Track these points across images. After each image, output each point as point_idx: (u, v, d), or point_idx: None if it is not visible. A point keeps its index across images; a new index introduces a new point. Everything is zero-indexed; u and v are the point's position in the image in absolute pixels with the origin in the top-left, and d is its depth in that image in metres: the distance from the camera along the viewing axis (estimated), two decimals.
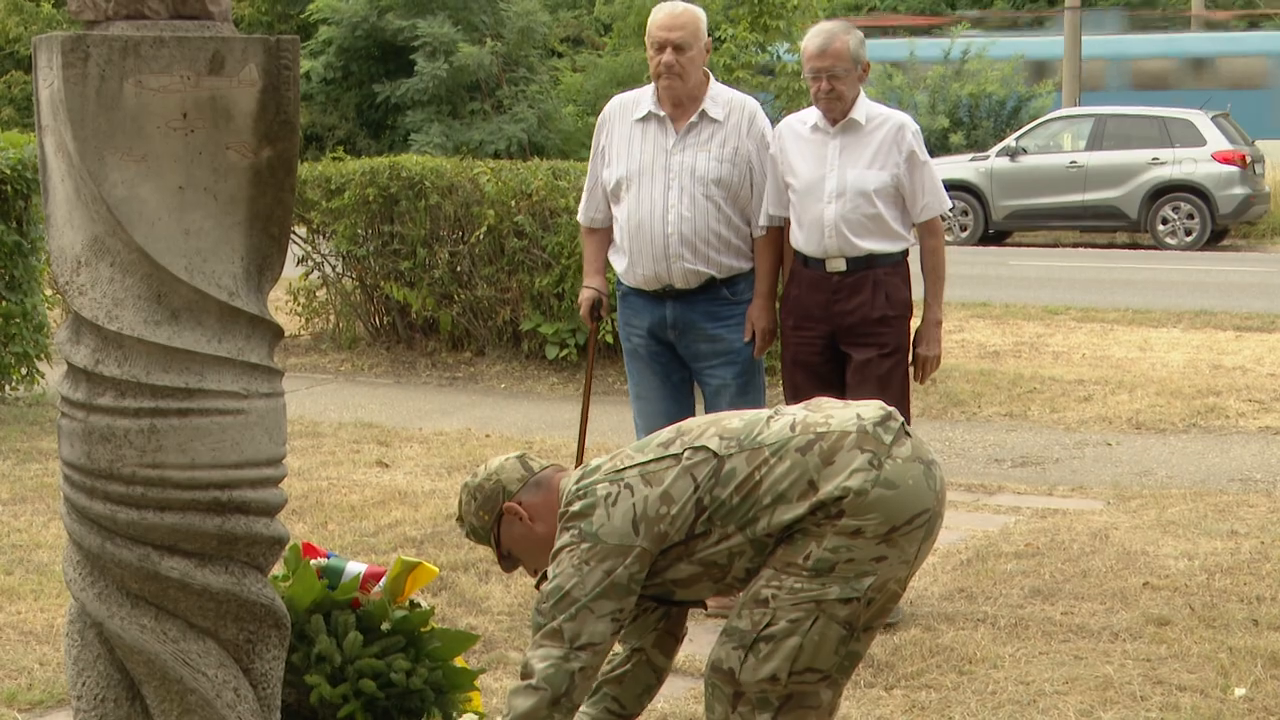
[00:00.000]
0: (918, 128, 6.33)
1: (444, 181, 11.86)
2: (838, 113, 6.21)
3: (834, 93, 6.16)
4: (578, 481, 4.13)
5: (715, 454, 4.01)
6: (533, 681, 3.96)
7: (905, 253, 6.32)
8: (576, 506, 4.06)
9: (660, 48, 6.26)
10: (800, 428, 3.99)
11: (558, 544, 4.07)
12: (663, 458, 4.05)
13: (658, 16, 6.31)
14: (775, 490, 3.93)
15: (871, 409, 4.04)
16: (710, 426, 4.11)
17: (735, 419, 4.09)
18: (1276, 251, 22.79)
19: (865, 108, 6.25)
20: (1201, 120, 22.80)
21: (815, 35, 6.21)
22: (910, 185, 6.21)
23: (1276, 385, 11.17)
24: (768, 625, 3.96)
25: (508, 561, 4.36)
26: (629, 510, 3.99)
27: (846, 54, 6.15)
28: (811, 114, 6.32)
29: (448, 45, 24.25)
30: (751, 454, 3.98)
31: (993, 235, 23.46)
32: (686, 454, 4.03)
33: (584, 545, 4.00)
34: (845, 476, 3.89)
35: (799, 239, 6.30)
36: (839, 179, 6.19)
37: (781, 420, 4.04)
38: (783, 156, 6.33)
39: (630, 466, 4.06)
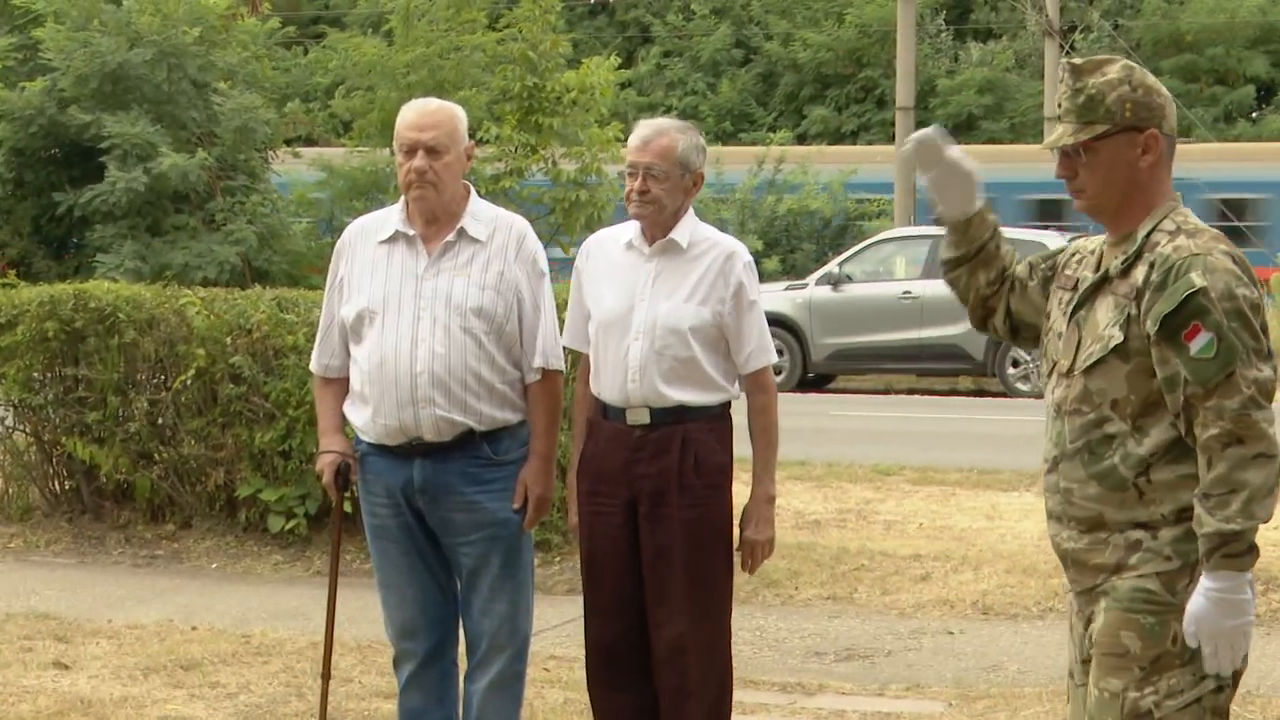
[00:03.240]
0: (751, 259, 6.38)
1: (142, 314, 11.77)
2: (651, 222, 6.26)
3: (647, 195, 6.19)
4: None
5: None
6: (1265, 449, 4.36)
7: (725, 407, 6.33)
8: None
9: (410, 151, 6.15)
10: None
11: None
12: None
13: (407, 115, 6.24)
14: None
15: None
16: None
17: None
18: None
19: (690, 228, 6.30)
20: (1058, 244, 23.07)
21: (643, 126, 6.29)
22: (735, 328, 6.26)
23: None
24: None
25: None
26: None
27: (672, 154, 6.20)
28: (629, 229, 6.35)
29: (144, 150, 23.91)
30: None
31: (812, 380, 23.77)
32: None
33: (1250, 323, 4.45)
34: None
35: (599, 382, 6.34)
36: (649, 311, 6.23)
37: None
38: (588, 278, 6.40)
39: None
